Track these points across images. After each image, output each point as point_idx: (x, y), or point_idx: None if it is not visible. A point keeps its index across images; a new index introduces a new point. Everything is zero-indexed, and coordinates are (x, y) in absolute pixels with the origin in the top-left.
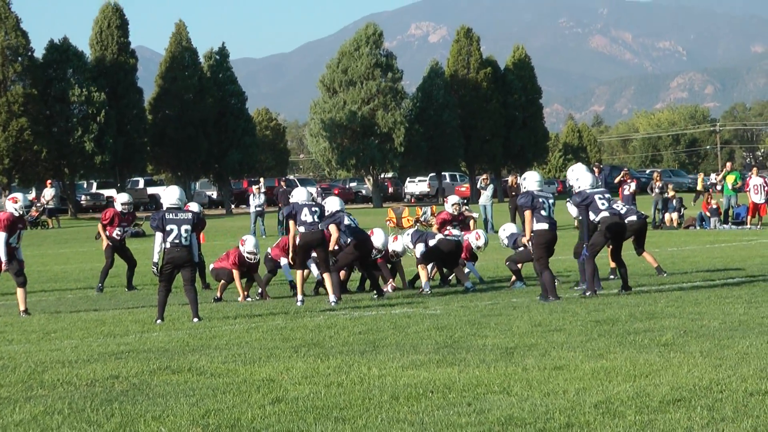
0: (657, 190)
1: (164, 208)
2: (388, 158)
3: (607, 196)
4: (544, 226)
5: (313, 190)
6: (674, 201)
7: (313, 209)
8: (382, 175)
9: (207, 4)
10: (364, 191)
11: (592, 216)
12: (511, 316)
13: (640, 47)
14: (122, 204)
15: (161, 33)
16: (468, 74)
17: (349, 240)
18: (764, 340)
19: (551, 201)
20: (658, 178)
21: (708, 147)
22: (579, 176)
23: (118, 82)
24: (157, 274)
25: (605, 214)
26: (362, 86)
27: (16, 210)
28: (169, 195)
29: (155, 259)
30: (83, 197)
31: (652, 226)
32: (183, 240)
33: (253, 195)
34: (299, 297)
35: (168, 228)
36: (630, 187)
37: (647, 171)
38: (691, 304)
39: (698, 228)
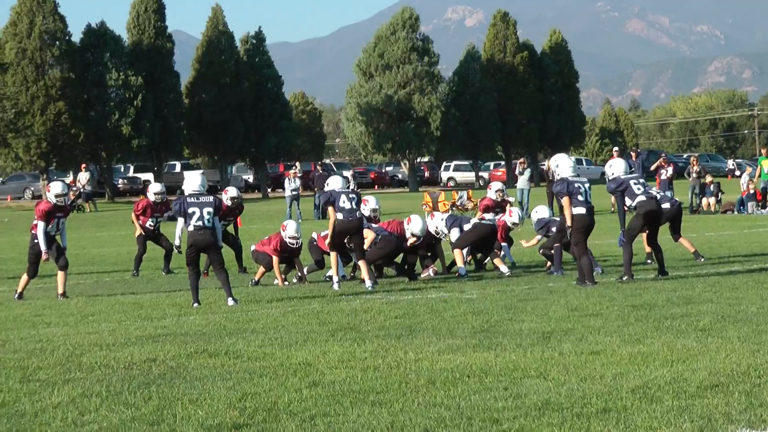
0: (694, 175)
1: (186, 194)
2: (425, 142)
3: (642, 181)
4: (582, 210)
5: (348, 173)
6: (711, 186)
7: (351, 196)
8: (418, 160)
9: None
10: (400, 176)
11: (628, 201)
12: (547, 301)
13: (677, 31)
14: (155, 194)
15: (198, 17)
16: (504, 58)
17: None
18: None
19: (587, 185)
20: (695, 163)
21: (746, 131)
22: (559, 163)
23: (155, 66)
24: (180, 252)
25: (641, 198)
26: (398, 70)
27: (55, 198)
28: (191, 181)
29: (177, 243)
30: (120, 181)
31: (689, 211)
32: (206, 222)
33: (289, 179)
34: (335, 280)
35: (190, 211)
36: (667, 172)
37: (684, 156)
38: (729, 289)
39: (736, 213)
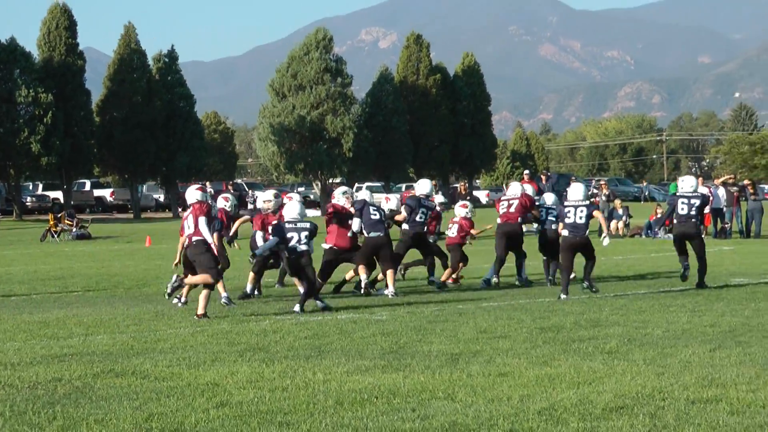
0: (603, 198)
1: (285, 221)
2: (337, 163)
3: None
4: (565, 232)
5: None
6: (620, 209)
7: (377, 208)
8: (330, 181)
9: (157, 6)
10: (312, 196)
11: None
12: (456, 323)
13: (589, 56)
14: (265, 201)
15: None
16: (417, 80)
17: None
18: (707, 349)
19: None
20: (604, 187)
21: (654, 156)
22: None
23: (65, 83)
24: (252, 261)
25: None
26: (311, 91)
27: None
28: (290, 209)
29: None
30: (29, 199)
31: (598, 235)
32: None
33: None
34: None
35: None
36: None
37: (594, 179)
38: (636, 313)
39: (644, 236)
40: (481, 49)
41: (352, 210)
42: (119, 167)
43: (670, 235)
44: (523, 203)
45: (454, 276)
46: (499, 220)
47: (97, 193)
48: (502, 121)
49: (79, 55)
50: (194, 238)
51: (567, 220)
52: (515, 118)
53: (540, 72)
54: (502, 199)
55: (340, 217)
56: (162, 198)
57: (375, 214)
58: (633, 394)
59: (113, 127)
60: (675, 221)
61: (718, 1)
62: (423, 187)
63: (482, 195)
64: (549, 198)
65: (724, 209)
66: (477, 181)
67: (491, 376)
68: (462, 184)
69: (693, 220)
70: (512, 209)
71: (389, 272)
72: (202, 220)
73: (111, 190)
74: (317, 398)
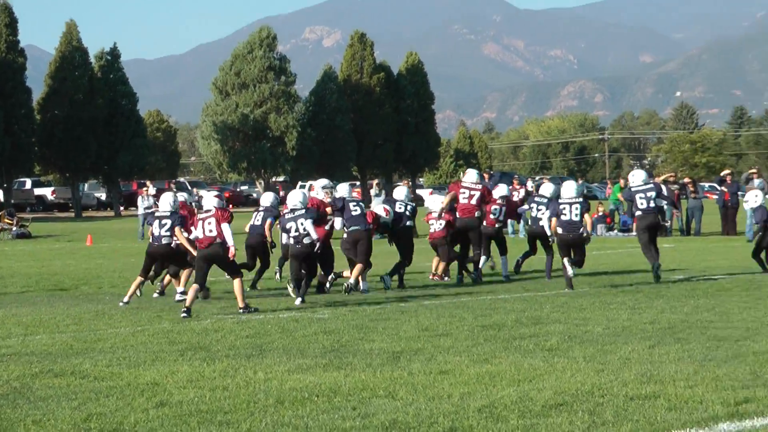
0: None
1: (288, 209)
2: (280, 162)
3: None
4: (559, 230)
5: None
6: None
7: (357, 203)
8: (274, 179)
9: (99, 3)
10: (255, 194)
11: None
12: (398, 321)
13: (532, 55)
14: (323, 188)
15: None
16: (361, 79)
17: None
18: (646, 345)
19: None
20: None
21: (597, 155)
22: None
23: (6, 81)
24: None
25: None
26: (255, 89)
27: None
28: (293, 197)
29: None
30: None
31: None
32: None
33: (142, 197)
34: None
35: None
36: (519, 194)
37: (537, 178)
38: (576, 310)
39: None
40: (425, 48)
41: (328, 210)
42: (60, 166)
43: (612, 233)
44: (483, 194)
45: (440, 273)
46: (458, 213)
47: (37, 191)
48: (446, 120)
49: (20, 52)
50: (218, 241)
51: (563, 217)
52: (459, 117)
53: (484, 71)
54: (462, 187)
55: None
56: (103, 197)
57: (356, 210)
58: (573, 391)
59: (54, 125)
60: (638, 214)
61: (660, 0)
62: (398, 193)
63: (425, 193)
64: (547, 189)
65: (665, 207)
66: (420, 179)
67: (432, 374)
68: (405, 182)
69: (654, 211)
70: (473, 201)
71: (359, 266)
72: (226, 226)
73: (52, 188)
74: (258, 397)
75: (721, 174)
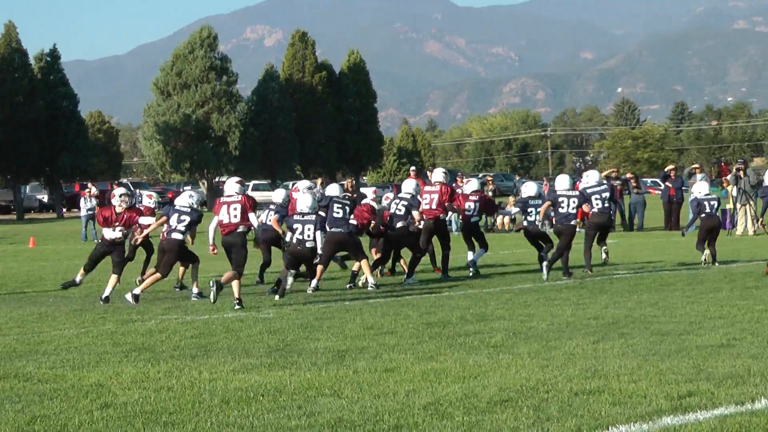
0: (490, 194)
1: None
2: (223, 162)
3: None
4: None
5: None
6: (512, 207)
7: (342, 205)
8: (217, 179)
9: (38, 4)
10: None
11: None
12: (343, 319)
13: (474, 53)
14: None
15: None
16: (303, 78)
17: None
18: (590, 341)
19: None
20: (490, 183)
21: (539, 151)
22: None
23: None
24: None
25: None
26: (197, 89)
27: None
28: (302, 201)
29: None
30: None
31: (484, 229)
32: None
33: (85, 199)
34: (313, 284)
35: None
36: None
37: (479, 175)
38: (521, 306)
39: None
40: (366, 47)
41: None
42: (1, 168)
43: (551, 229)
44: (441, 194)
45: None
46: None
47: None
48: (389, 118)
49: None
50: (241, 227)
51: (561, 210)
52: (401, 115)
53: (425, 69)
54: (424, 192)
55: None
56: (45, 198)
57: (338, 212)
58: (517, 387)
59: None
60: (593, 212)
61: None
62: (407, 186)
63: (369, 192)
64: (530, 189)
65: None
66: (364, 178)
67: (377, 371)
68: (349, 180)
69: (609, 211)
70: (433, 205)
71: (363, 262)
72: (252, 214)
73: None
74: (203, 397)
75: (665, 169)
